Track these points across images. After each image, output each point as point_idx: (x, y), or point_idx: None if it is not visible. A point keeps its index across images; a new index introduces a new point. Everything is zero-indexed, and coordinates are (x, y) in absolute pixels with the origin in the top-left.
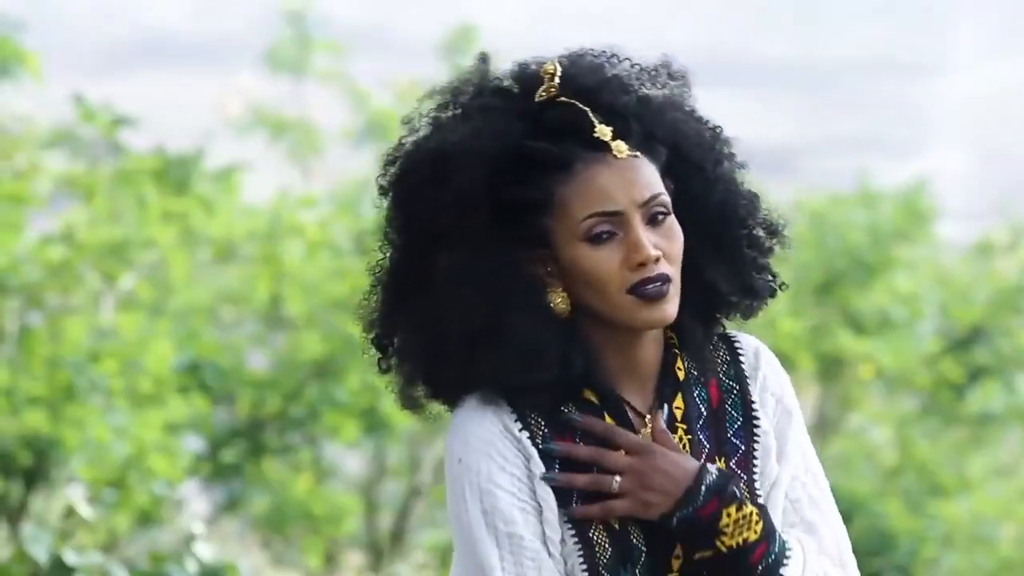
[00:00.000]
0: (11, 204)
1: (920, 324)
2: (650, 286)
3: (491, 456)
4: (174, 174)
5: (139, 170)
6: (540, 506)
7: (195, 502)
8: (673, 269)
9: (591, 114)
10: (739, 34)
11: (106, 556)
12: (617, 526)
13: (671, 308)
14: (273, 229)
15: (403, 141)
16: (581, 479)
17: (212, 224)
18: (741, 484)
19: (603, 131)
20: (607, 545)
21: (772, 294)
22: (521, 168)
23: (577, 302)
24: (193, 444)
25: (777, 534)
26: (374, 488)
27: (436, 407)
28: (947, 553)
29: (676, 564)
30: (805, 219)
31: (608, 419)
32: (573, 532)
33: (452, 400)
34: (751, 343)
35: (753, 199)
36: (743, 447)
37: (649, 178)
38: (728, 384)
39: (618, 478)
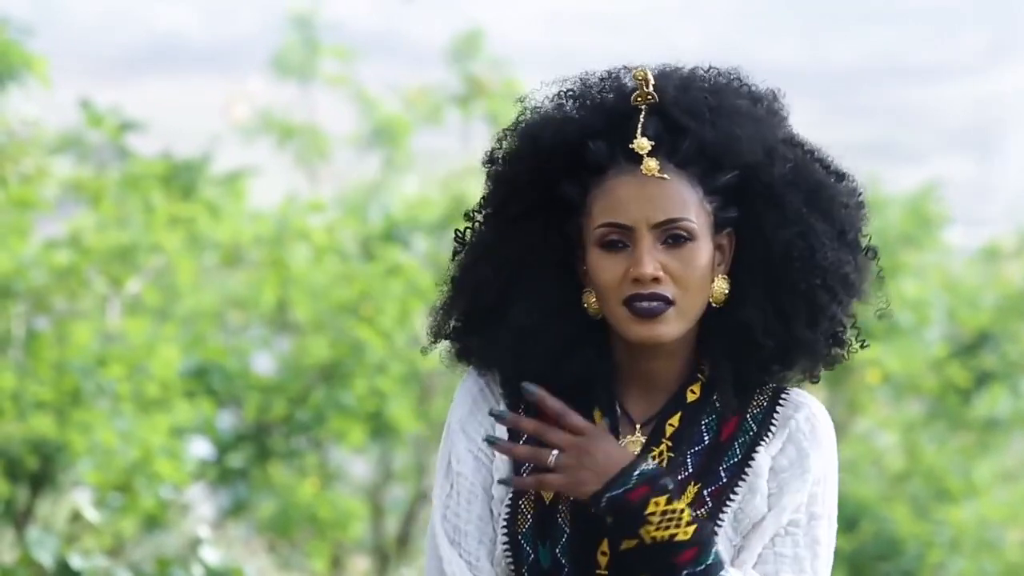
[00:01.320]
0: (18, 209)
1: (927, 329)
2: (643, 303)
3: (468, 404)
4: (181, 179)
5: (146, 175)
6: (494, 457)
7: (201, 506)
8: (681, 293)
9: (640, 125)
10: (747, 39)
11: (112, 560)
12: (548, 501)
13: (665, 329)
14: (280, 234)
15: (518, 120)
16: (521, 449)
17: (219, 229)
18: (703, 510)
19: (640, 144)
20: (529, 516)
21: (827, 361)
22: (578, 164)
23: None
24: (199, 448)
25: (714, 550)
26: (380, 493)
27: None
28: (954, 558)
29: (604, 561)
30: None
31: (598, 415)
32: (509, 498)
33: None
34: (802, 400)
35: (842, 258)
36: (725, 479)
37: (673, 200)
38: (749, 425)
39: (555, 452)
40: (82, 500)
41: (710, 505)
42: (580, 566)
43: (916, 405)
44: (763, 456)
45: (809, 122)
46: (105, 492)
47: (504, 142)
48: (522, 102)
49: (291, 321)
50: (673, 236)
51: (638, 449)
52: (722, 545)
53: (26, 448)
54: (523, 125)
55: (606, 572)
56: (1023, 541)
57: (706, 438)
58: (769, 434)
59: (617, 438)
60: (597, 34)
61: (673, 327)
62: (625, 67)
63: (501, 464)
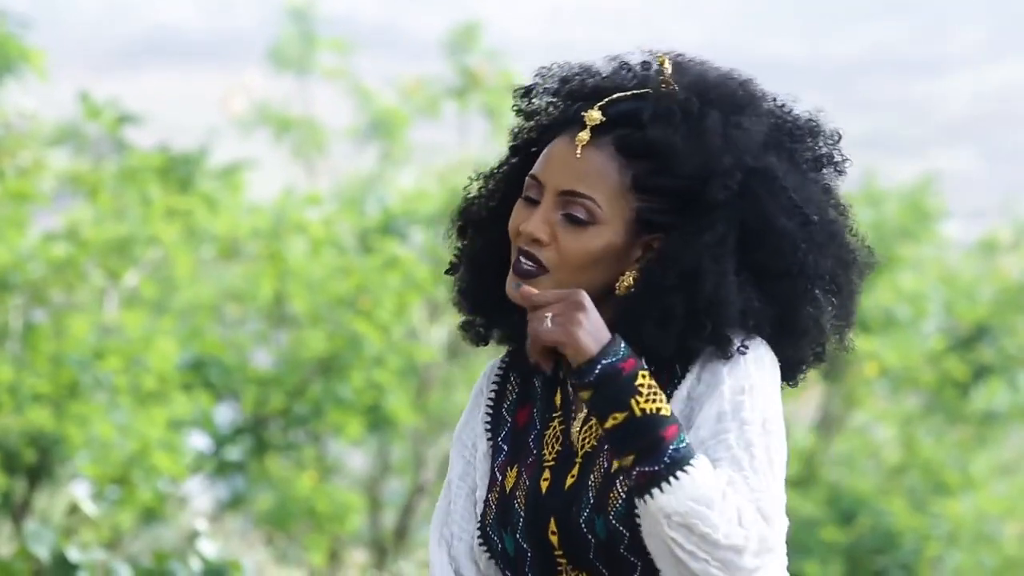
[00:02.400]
0: (15, 201)
1: (924, 322)
2: (519, 260)
3: (469, 409)
4: (179, 172)
5: (143, 167)
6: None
7: (199, 499)
8: (561, 266)
9: (606, 100)
10: (747, 34)
11: (109, 553)
12: (508, 490)
13: (527, 292)
14: (277, 227)
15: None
16: (538, 296)
17: (216, 222)
18: None
19: (591, 115)
20: (494, 506)
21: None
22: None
23: None
24: (197, 441)
25: (685, 433)
26: (378, 485)
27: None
28: (951, 551)
29: (555, 540)
30: None
31: (558, 395)
32: (483, 491)
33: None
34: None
35: (721, 275)
36: None
37: (588, 176)
38: (676, 372)
39: (549, 314)
40: (80, 493)
41: None
42: (538, 549)
43: (913, 398)
44: (680, 392)
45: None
46: (103, 485)
47: (536, 79)
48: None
49: (288, 314)
50: (572, 215)
51: (579, 426)
52: None
53: (24, 441)
54: (571, 71)
55: (560, 551)
56: (1020, 534)
57: None
58: (689, 372)
59: (570, 415)
60: (596, 29)
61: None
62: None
63: (482, 464)
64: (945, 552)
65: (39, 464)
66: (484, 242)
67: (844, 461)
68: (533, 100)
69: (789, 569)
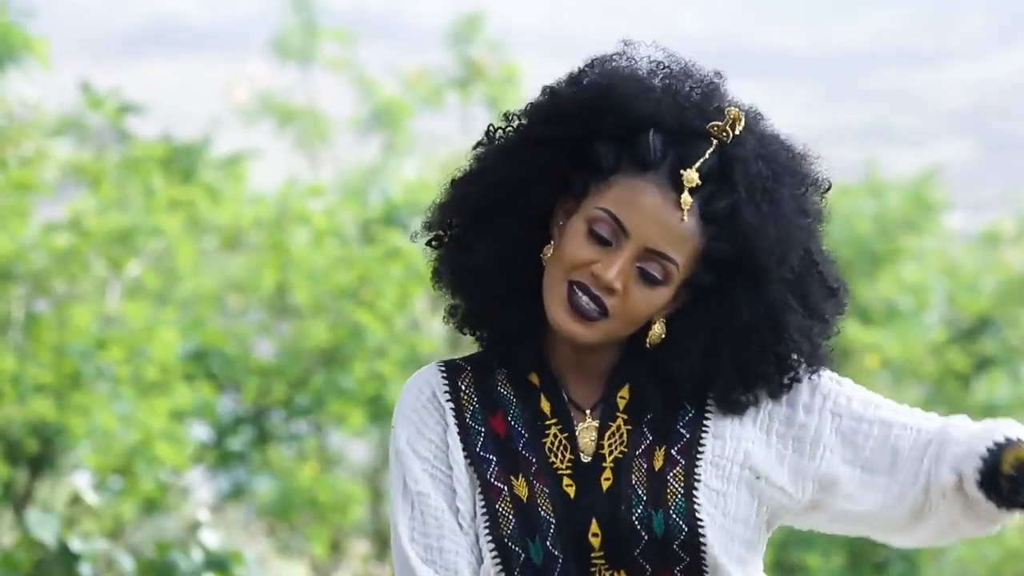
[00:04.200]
0: (18, 191)
1: (927, 314)
2: (584, 296)
3: (413, 422)
4: (181, 162)
5: (146, 158)
6: (452, 472)
7: (201, 490)
8: (621, 314)
9: (702, 160)
10: (748, 24)
11: (111, 543)
12: (525, 499)
13: (585, 332)
14: (280, 217)
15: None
16: None
17: (219, 212)
18: (679, 468)
19: (690, 177)
20: (511, 516)
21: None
22: (627, 138)
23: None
24: (198, 432)
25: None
26: (380, 476)
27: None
28: (953, 543)
29: (597, 542)
30: None
31: (544, 403)
32: (483, 502)
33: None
34: None
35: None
36: (688, 435)
37: (679, 242)
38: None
39: None
40: (82, 483)
41: (683, 462)
42: (574, 553)
43: (916, 390)
44: (713, 408)
45: (809, 105)
46: (105, 475)
47: (576, 77)
48: (627, 46)
49: (291, 304)
50: (652, 274)
51: (594, 434)
52: (704, 497)
53: (26, 431)
54: (607, 71)
55: (601, 553)
56: (1023, 526)
57: (659, 404)
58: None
59: (569, 418)
60: (598, 18)
61: (595, 334)
62: (719, 73)
63: (462, 476)
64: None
65: (41, 454)
66: (489, 243)
67: None
68: (578, 93)
69: (791, 561)
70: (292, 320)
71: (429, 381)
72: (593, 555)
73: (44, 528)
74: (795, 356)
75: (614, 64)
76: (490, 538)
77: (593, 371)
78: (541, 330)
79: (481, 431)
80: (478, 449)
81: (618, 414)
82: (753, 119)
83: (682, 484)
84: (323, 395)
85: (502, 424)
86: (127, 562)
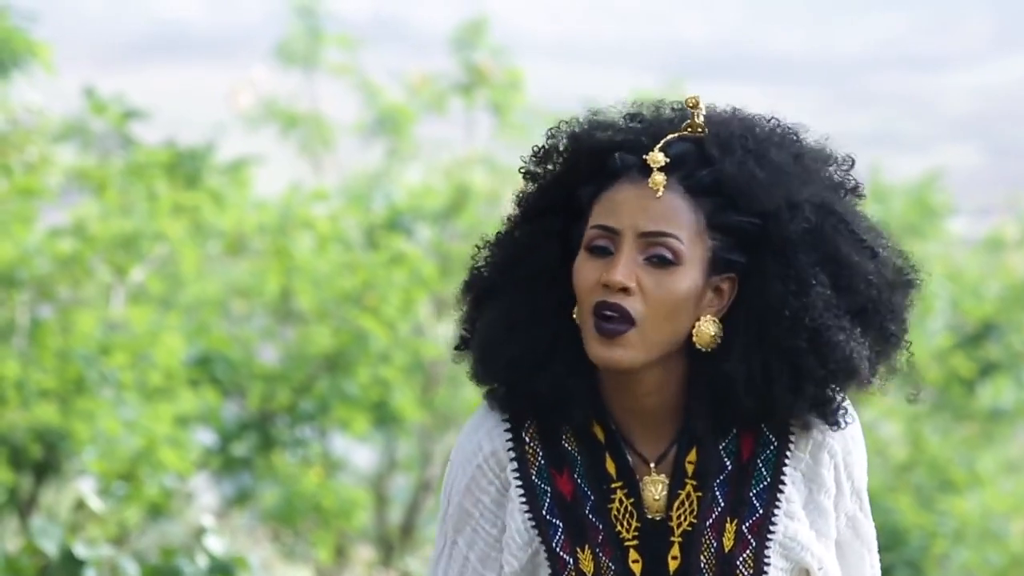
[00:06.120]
0: (22, 197)
1: (931, 320)
2: (607, 313)
3: (468, 471)
4: (185, 167)
5: (150, 163)
6: (501, 533)
7: (205, 495)
8: (649, 315)
9: (665, 140)
10: (753, 30)
11: (116, 549)
12: (590, 574)
13: (623, 354)
14: (284, 223)
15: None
16: None
17: (223, 218)
18: (749, 551)
19: (654, 157)
20: None
21: (811, 420)
22: (599, 175)
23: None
24: (203, 437)
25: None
26: (384, 482)
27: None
28: (958, 549)
29: None
30: None
31: (609, 463)
32: (550, 572)
33: (480, 385)
34: None
35: (843, 326)
36: (761, 510)
37: (667, 216)
38: (767, 437)
39: None
40: (86, 489)
41: (754, 544)
42: None
43: (920, 395)
44: (791, 473)
45: (815, 110)
46: (109, 481)
47: (551, 140)
48: (593, 114)
49: (295, 310)
50: (658, 256)
51: (660, 488)
52: None
53: (30, 436)
54: (574, 126)
55: None
56: None
57: (728, 464)
58: (791, 444)
59: (635, 479)
60: (602, 24)
61: (632, 353)
62: (691, 101)
63: (519, 537)
64: (952, 550)
65: (45, 460)
66: (506, 308)
67: None
68: (550, 162)
69: None
70: (296, 325)
71: (491, 435)
72: None
73: (47, 537)
74: (839, 341)
75: (579, 119)
76: None
77: (656, 417)
78: (595, 384)
79: (547, 491)
80: (544, 512)
81: (687, 480)
82: (723, 110)
83: (751, 570)
84: (327, 400)
85: (568, 484)
86: (132, 568)
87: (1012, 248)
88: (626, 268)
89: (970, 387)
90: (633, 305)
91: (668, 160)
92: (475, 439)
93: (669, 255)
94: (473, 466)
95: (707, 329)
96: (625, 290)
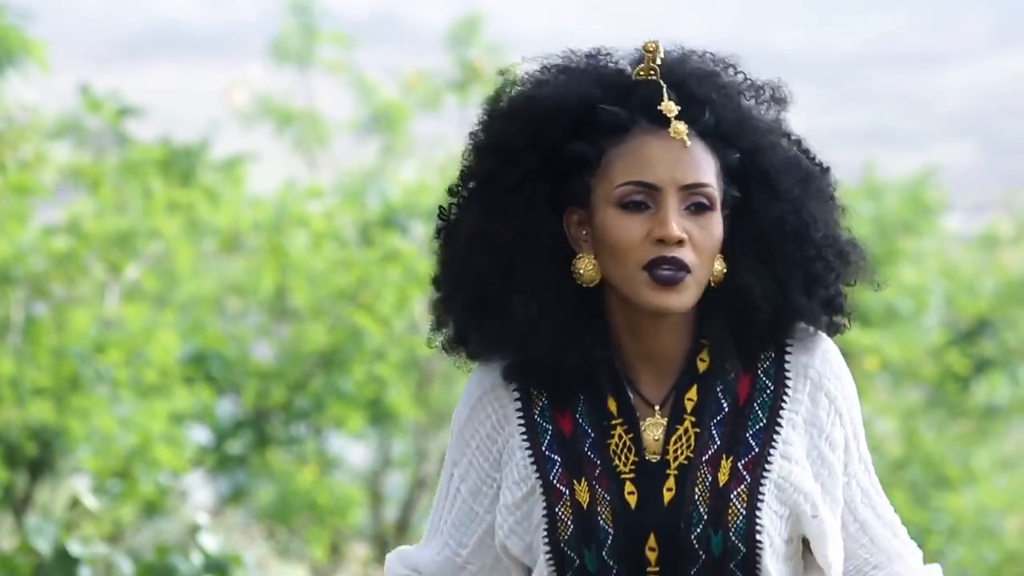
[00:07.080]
0: (17, 194)
1: (926, 316)
2: (665, 267)
3: (470, 402)
4: (180, 165)
5: (145, 161)
6: (492, 468)
7: (200, 493)
8: (699, 262)
9: (665, 90)
10: (748, 25)
11: (111, 547)
12: (585, 505)
13: (683, 298)
14: (279, 220)
15: (501, 91)
16: None
17: (218, 215)
18: (743, 487)
19: (668, 107)
20: (569, 522)
21: (828, 328)
22: (585, 128)
23: (604, 274)
24: (198, 435)
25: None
26: (379, 479)
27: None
28: (953, 545)
29: (653, 557)
30: None
31: (611, 401)
32: (544, 505)
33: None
34: (810, 340)
35: (831, 234)
36: (757, 449)
37: (700, 165)
38: (764, 382)
39: None
40: (81, 487)
41: (749, 480)
42: (628, 565)
43: (915, 392)
44: (789, 415)
45: (810, 108)
46: (104, 479)
47: (491, 114)
48: (504, 75)
49: (290, 307)
50: (697, 204)
51: (660, 431)
52: (766, 519)
53: (25, 434)
54: (514, 94)
55: (657, 568)
56: (1022, 528)
57: (725, 405)
58: (787, 389)
59: (635, 417)
60: (598, 21)
61: (688, 297)
62: (604, 49)
63: (516, 471)
64: (947, 546)
65: (40, 458)
66: (529, 287)
67: None
68: (512, 130)
69: None
70: (291, 323)
71: (493, 370)
72: (648, 569)
73: (42, 536)
74: (842, 240)
75: (507, 92)
76: (547, 542)
77: (667, 358)
78: (599, 330)
79: (548, 429)
80: (544, 449)
81: (686, 416)
82: (679, 50)
83: (744, 505)
84: (322, 398)
85: (569, 423)
86: (126, 566)
87: (1007, 245)
88: (677, 223)
89: (965, 384)
90: (686, 255)
91: (681, 110)
92: (476, 380)
93: (707, 202)
94: (475, 397)
95: (719, 267)
96: (680, 243)
